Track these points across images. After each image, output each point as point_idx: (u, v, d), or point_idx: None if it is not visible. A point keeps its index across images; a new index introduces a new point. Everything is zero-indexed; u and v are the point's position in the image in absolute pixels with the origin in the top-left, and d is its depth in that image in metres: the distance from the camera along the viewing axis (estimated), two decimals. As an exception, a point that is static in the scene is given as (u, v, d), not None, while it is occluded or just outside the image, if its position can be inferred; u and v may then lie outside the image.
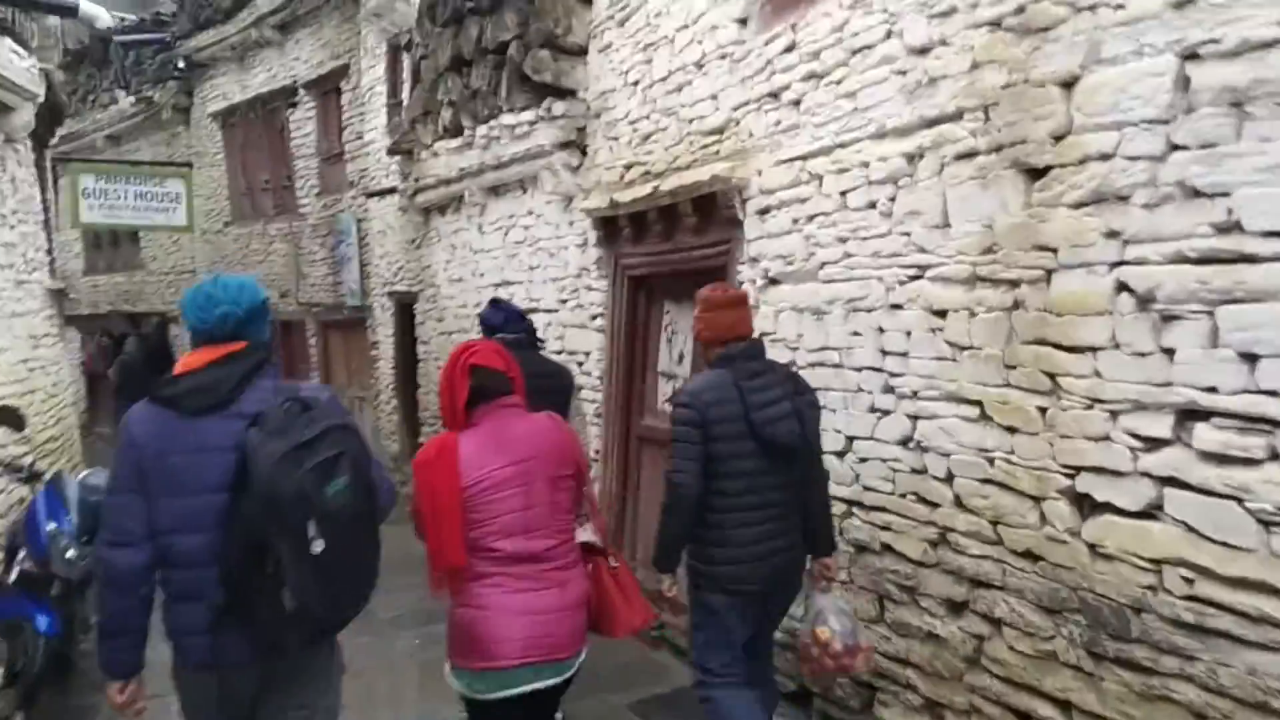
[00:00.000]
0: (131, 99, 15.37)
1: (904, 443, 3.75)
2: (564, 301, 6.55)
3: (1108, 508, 2.93)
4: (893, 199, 3.76)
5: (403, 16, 8.96)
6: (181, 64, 14.24)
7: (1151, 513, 2.79)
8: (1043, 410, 3.14)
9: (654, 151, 5.51)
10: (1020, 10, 3.16)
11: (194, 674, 2.49)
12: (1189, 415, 2.67)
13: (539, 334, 4.76)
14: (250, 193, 13.45)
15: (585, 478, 3.07)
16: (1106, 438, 2.92)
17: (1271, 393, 2.46)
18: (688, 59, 5.16)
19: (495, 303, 4.76)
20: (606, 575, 3.07)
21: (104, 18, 7.99)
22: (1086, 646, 3.00)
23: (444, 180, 7.93)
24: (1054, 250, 3.07)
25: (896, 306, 3.75)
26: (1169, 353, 2.71)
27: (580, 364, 6.20)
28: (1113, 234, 2.86)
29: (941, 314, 3.53)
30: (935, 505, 3.61)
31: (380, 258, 10.27)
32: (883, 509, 3.87)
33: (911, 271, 3.66)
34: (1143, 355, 2.78)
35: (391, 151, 9.02)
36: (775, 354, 4.41)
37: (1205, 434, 2.62)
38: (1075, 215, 2.99)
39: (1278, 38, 2.42)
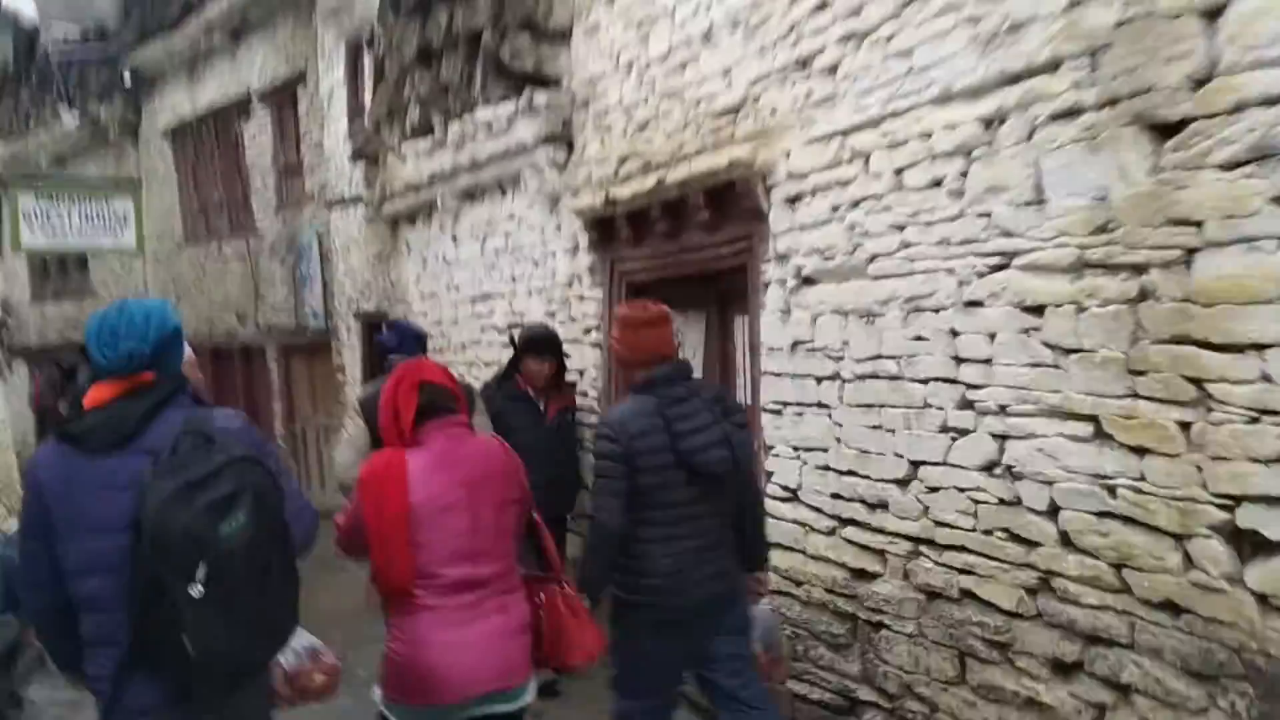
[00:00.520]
0: (76, 117, 14.60)
1: (988, 468, 3.10)
2: (552, 314, 5.87)
3: (1282, 549, 2.29)
4: (964, 174, 3.12)
5: (364, 10, 8.27)
6: (128, 78, 13.51)
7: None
8: (1185, 426, 2.50)
9: (654, 140, 4.86)
10: (1139, -74, 2.54)
11: None
12: None
13: None
14: (204, 211, 12.71)
15: (531, 503, 2.97)
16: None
17: None
18: (692, 31, 4.51)
19: (392, 324, 4.98)
20: (560, 602, 2.95)
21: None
22: (1259, 724, 2.36)
23: (413, 186, 7.24)
24: (1197, 224, 2.43)
25: (974, 304, 3.10)
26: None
27: (574, 384, 5.51)
28: (1283, 199, 2.23)
29: (1037, 310, 2.89)
30: (1034, 544, 2.96)
31: (345, 275, 9.56)
32: (961, 548, 3.21)
33: (994, 260, 3.02)
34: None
35: (355, 157, 8.34)
36: (812, 366, 3.80)
37: None
38: (1228, 178, 2.36)
39: None
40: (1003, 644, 3.08)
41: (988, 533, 3.12)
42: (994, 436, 3.07)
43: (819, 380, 3.81)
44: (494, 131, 6.05)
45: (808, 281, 3.85)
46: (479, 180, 6.48)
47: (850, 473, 3.68)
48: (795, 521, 3.98)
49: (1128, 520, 2.66)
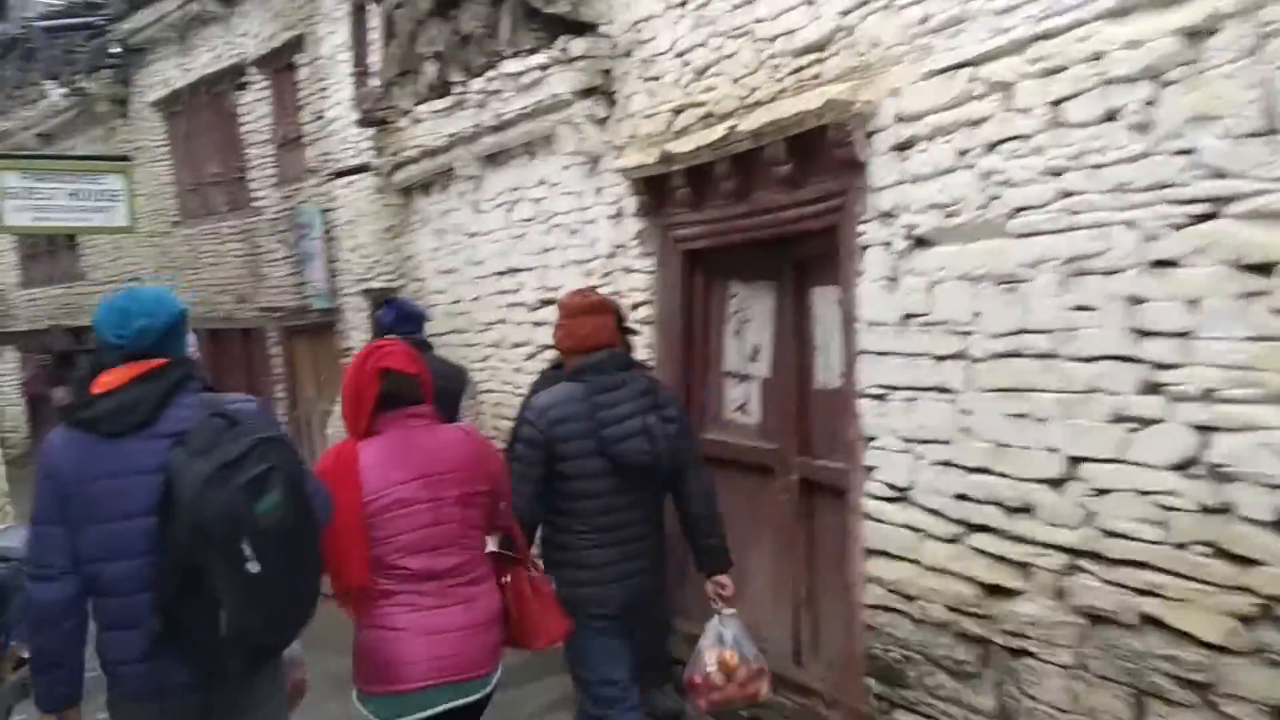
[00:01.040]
0: (63, 92, 13.92)
1: (1183, 467, 2.50)
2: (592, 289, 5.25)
3: None
4: (1151, 103, 2.51)
5: (369, -37, 7.62)
6: (117, 50, 12.83)
7: None
8: None
9: (717, 87, 4.24)
10: None
11: (133, 703, 2.44)
12: None
13: None
14: (199, 188, 12.05)
15: (502, 491, 2.95)
16: None
17: None
18: (764, -43, 3.89)
19: (390, 301, 4.92)
20: (526, 586, 2.96)
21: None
22: None
23: (428, 151, 6.60)
24: None
25: (1166, 263, 2.50)
26: None
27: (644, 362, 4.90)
28: None
29: (1262, 269, 2.30)
30: (1251, 562, 2.37)
31: (351, 251, 8.94)
32: (1142, 564, 2.62)
33: (1198, 209, 2.42)
34: None
35: (362, 123, 7.68)
36: (929, 344, 3.23)
37: None
38: None
39: None
40: (1204, 684, 2.49)
41: (1181, 546, 2.53)
42: (1194, 428, 2.47)
43: (939, 360, 3.21)
44: (523, 85, 5.42)
45: (922, 243, 3.25)
46: (504, 142, 5.84)
47: (982, 470, 3.09)
48: (905, 526, 3.39)
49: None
